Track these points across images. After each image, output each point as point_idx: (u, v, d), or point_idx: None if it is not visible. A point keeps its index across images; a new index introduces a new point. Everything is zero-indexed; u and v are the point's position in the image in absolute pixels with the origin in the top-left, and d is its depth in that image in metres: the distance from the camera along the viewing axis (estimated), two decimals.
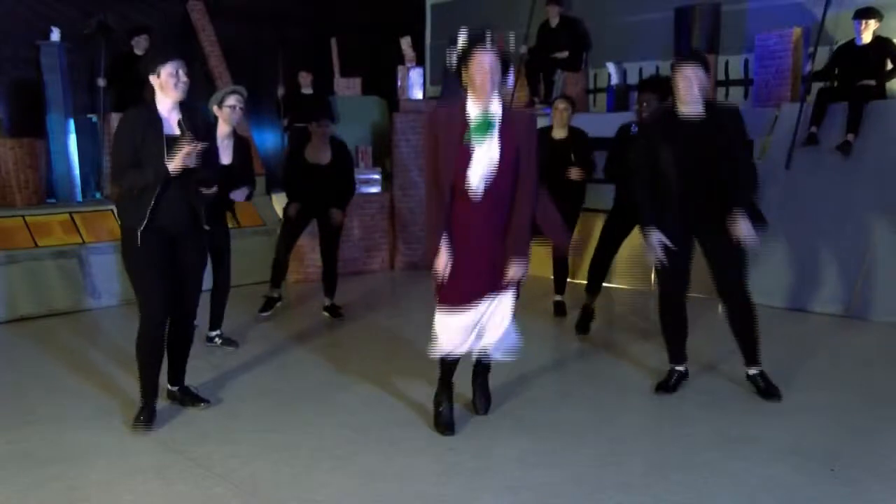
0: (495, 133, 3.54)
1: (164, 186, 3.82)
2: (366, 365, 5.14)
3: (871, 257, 6.31)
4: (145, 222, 3.80)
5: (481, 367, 4.10)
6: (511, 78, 3.58)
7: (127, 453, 3.69)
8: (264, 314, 6.22)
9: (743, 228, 4.05)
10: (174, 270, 4.01)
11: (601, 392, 4.53)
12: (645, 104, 5.26)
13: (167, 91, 3.85)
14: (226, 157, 5.11)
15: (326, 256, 6.37)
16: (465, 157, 3.55)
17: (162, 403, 4.29)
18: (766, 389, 4.36)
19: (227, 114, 5.09)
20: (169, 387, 4.32)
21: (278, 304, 6.34)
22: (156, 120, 3.86)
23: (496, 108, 3.56)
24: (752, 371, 4.42)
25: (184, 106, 3.95)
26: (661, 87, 5.26)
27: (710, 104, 4.22)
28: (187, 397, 4.31)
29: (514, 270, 3.67)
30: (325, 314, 6.40)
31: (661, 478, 3.41)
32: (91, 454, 3.68)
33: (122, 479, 3.41)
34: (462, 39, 3.51)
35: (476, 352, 3.88)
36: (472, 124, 3.54)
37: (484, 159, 3.54)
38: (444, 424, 3.88)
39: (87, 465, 3.56)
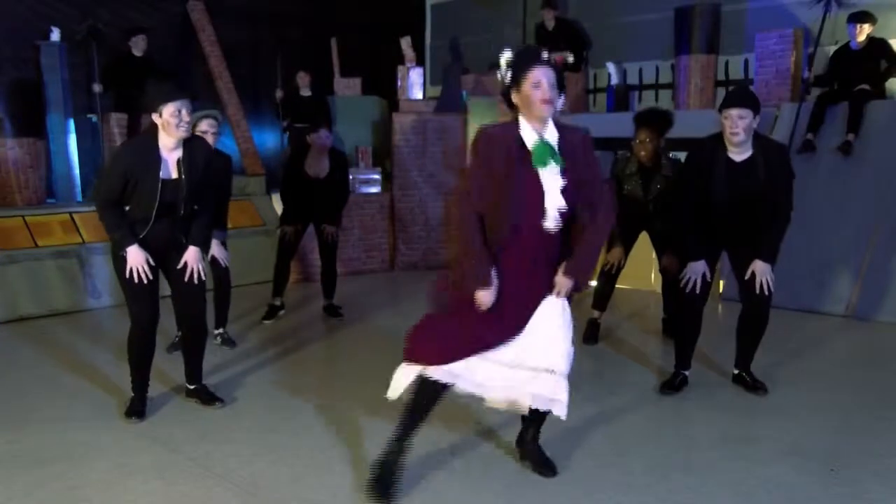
0: (560, 161, 3.07)
1: (155, 222, 3.90)
2: (366, 365, 5.14)
3: (871, 257, 6.32)
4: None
5: (535, 418, 3.42)
6: (563, 97, 3.15)
7: (127, 453, 3.69)
8: (267, 322, 6.20)
9: (760, 274, 4.22)
10: (171, 276, 4.11)
11: (601, 392, 4.53)
12: (644, 142, 5.19)
13: (169, 131, 3.81)
14: None
15: (325, 259, 6.38)
16: (537, 187, 3.05)
17: (165, 403, 4.30)
18: (754, 385, 4.48)
19: None
20: (188, 385, 4.39)
21: (281, 313, 6.33)
22: (155, 161, 3.83)
23: (552, 132, 3.09)
24: (739, 371, 4.57)
25: (188, 141, 3.94)
26: (659, 122, 5.22)
27: (758, 138, 4.16)
28: (204, 396, 4.34)
29: (562, 281, 3.14)
30: (324, 314, 6.40)
31: (662, 478, 3.41)
32: (91, 454, 3.68)
33: (122, 479, 3.41)
34: (508, 56, 3.12)
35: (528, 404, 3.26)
36: (534, 151, 3.05)
37: (554, 189, 3.07)
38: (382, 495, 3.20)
39: (87, 465, 3.56)
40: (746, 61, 8.25)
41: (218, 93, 9.08)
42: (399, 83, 9.19)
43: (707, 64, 8.23)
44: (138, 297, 3.99)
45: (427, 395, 3.22)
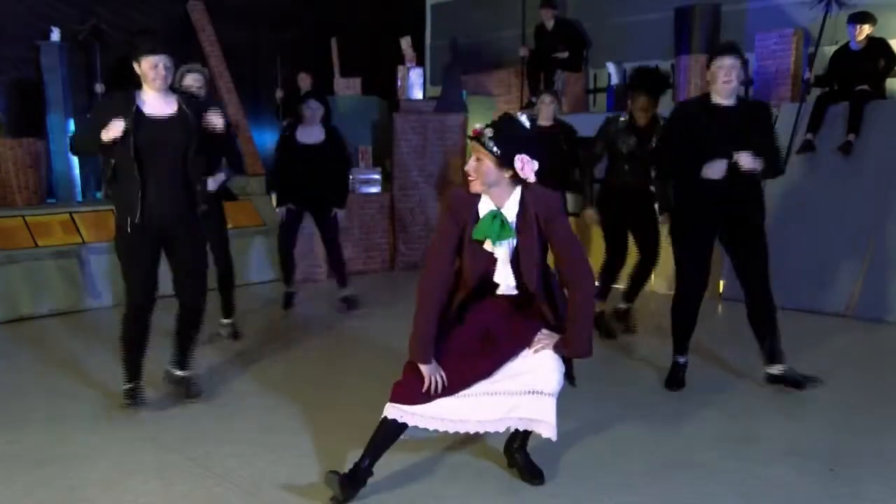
0: (510, 236, 3.05)
1: (152, 179, 3.94)
2: (366, 365, 5.14)
3: (871, 257, 6.32)
4: (137, 217, 3.91)
5: (519, 436, 3.40)
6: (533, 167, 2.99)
7: (127, 453, 3.69)
8: (287, 310, 6.34)
9: (746, 161, 4.08)
10: (173, 260, 4.15)
11: (600, 392, 4.53)
12: (643, 108, 5.20)
13: (147, 82, 3.96)
14: None
15: (330, 248, 6.40)
16: (487, 257, 3.09)
17: (165, 403, 4.30)
18: (797, 383, 4.34)
19: None
20: (173, 371, 4.38)
21: (295, 299, 6.45)
22: (132, 104, 3.93)
23: (513, 203, 3.05)
24: (776, 371, 4.40)
25: (183, 96, 4.08)
26: (657, 86, 5.24)
27: (740, 98, 4.29)
28: (182, 385, 4.35)
29: (545, 341, 3.12)
30: (343, 306, 6.43)
31: (662, 477, 3.41)
32: (91, 454, 3.68)
33: (122, 479, 3.41)
34: (491, 133, 3.00)
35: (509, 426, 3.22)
36: (480, 223, 3.05)
37: (504, 261, 3.11)
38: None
39: (87, 465, 3.56)
40: (746, 61, 8.24)
41: (218, 93, 9.08)
42: (399, 83, 9.19)
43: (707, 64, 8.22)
44: (135, 275, 4.03)
45: (388, 433, 3.22)
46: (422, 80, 9.32)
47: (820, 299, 6.41)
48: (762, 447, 3.72)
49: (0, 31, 7.83)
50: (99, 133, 3.85)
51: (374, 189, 8.62)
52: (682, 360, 4.56)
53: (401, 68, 9.20)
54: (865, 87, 6.70)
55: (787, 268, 6.58)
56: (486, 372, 3.13)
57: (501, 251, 3.10)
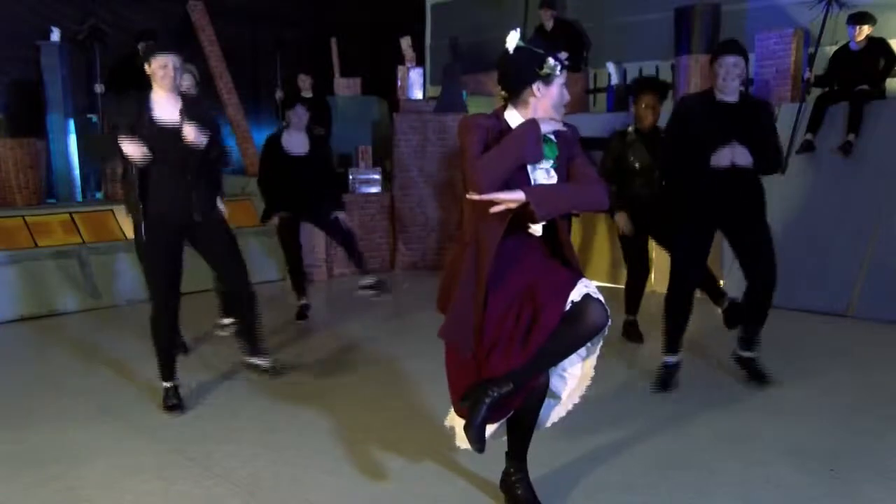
0: (555, 154, 2.84)
1: (156, 175, 4.02)
2: (366, 365, 5.14)
3: (872, 257, 6.32)
4: (145, 212, 4.03)
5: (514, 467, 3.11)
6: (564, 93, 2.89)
7: (127, 453, 3.69)
8: (300, 321, 6.16)
9: (739, 156, 4.11)
10: (201, 247, 4.28)
11: (600, 392, 4.52)
12: (649, 106, 5.20)
13: (156, 80, 4.03)
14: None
15: (348, 247, 6.17)
16: (524, 182, 2.77)
17: (153, 402, 4.31)
18: (758, 374, 4.49)
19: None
20: (247, 359, 4.64)
21: (309, 312, 6.23)
22: (145, 106, 4.01)
23: (548, 126, 2.79)
24: (748, 354, 4.53)
25: (187, 99, 4.13)
26: (660, 87, 5.26)
27: (743, 95, 4.31)
28: (263, 372, 4.65)
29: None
30: (370, 292, 6.13)
31: (661, 478, 3.41)
32: (91, 454, 3.68)
33: (122, 479, 3.41)
34: (552, 65, 2.79)
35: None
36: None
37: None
38: None
39: (87, 465, 3.57)
40: (748, 59, 8.25)
41: (218, 93, 9.09)
42: (399, 83, 9.19)
43: (707, 64, 8.23)
44: (157, 273, 4.12)
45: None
46: (422, 80, 9.32)
47: (820, 299, 6.41)
48: (762, 447, 3.72)
49: (0, 31, 7.83)
50: (116, 142, 3.94)
51: (374, 189, 8.62)
52: (671, 360, 4.50)
53: (401, 68, 9.20)
54: (865, 87, 6.71)
55: (787, 268, 6.57)
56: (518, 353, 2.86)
57: (541, 177, 2.83)
